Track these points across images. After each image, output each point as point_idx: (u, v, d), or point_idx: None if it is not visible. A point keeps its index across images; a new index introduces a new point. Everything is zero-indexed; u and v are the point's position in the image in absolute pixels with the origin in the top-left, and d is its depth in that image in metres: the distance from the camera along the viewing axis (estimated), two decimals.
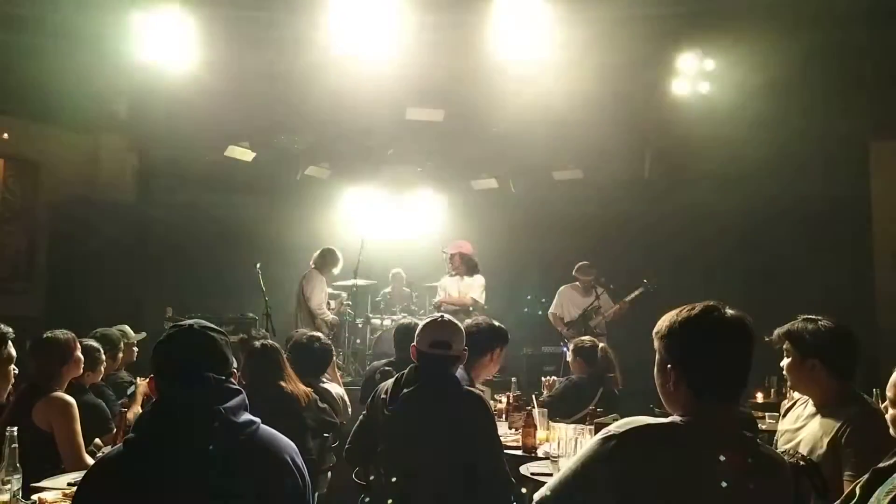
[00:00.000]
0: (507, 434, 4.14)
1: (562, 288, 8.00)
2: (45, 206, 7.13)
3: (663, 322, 1.88)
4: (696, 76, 6.85)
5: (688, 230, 8.56)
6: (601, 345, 5.18)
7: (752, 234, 8.16)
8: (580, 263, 7.89)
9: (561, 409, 4.44)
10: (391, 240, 9.07)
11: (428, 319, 3.27)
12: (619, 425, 1.80)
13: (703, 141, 7.60)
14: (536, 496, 1.84)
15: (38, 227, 6.99)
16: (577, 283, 7.85)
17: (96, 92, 6.76)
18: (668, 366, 1.84)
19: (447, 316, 3.30)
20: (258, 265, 7.27)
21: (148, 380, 2.18)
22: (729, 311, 1.85)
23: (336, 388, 4.47)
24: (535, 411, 4.01)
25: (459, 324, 3.28)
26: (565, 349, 7.88)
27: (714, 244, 8.35)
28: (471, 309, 7.42)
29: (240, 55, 6.58)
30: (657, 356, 1.88)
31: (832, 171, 7.08)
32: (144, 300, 7.36)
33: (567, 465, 1.89)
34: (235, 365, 2.04)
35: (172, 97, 6.94)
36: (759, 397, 4.89)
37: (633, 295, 7.63)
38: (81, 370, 3.66)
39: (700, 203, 8.56)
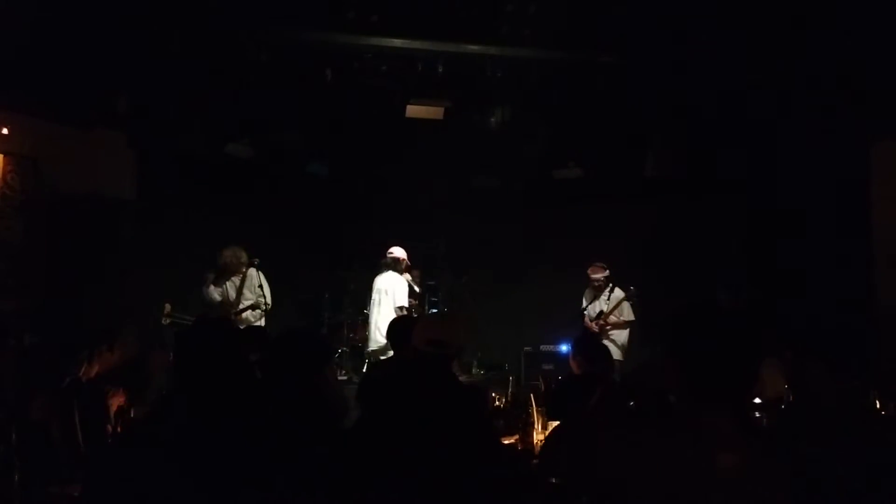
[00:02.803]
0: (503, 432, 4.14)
1: (586, 290, 8.08)
2: (45, 202, 7.11)
3: (664, 321, 1.89)
4: None
5: (687, 230, 8.58)
6: (602, 343, 5.17)
7: (751, 235, 8.17)
8: (594, 263, 7.94)
9: (558, 408, 4.43)
10: None
11: (426, 316, 3.27)
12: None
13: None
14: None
15: (37, 223, 6.97)
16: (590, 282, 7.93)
17: (96, 87, 6.75)
18: (669, 364, 1.84)
19: (447, 312, 3.30)
20: (256, 261, 7.25)
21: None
22: (727, 309, 1.86)
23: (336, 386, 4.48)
24: (534, 410, 4.00)
25: (457, 320, 3.27)
26: (562, 348, 7.98)
27: (714, 245, 8.36)
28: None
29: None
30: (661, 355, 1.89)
31: (832, 171, 7.08)
32: (143, 296, 7.35)
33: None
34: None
35: (172, 93, 6.97)
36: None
37: (615, 305, 7.67)
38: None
39: (699, 203, 8.59)
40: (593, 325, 7.67)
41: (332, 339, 9.10)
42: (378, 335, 7.65)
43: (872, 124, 6.62)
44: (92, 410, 3.65)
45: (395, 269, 7.89)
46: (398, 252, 7.96)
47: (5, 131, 6.62)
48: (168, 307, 7.36)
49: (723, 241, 8.38)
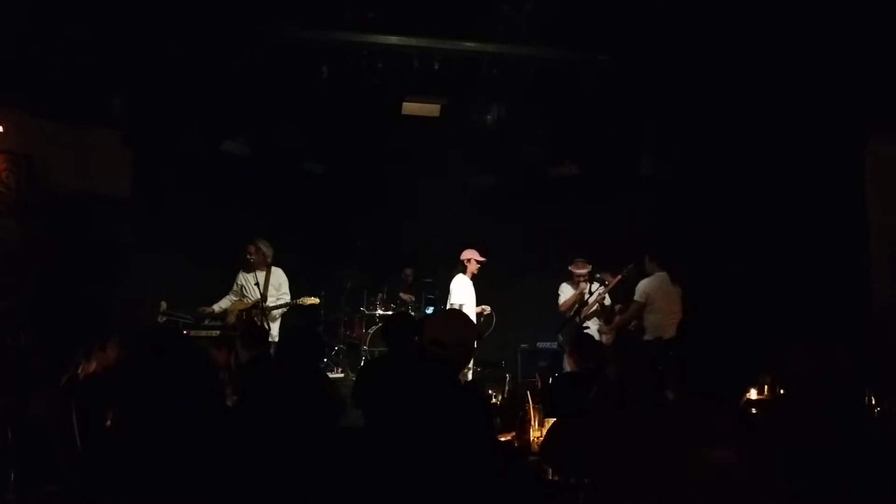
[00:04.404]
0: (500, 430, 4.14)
1: (562, 284, 8.09)
2: (40, 200, 7.10)
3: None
4: None
5: (684, 228, 8.58)
6: (599, 340, 5.20)
7: (748, 233, 8.18)
8: (577, 260, 8.01)
9: (555, 406, 4.44)
10: None
11: (434, 314, 3.27)
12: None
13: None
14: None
15: (33, 221, 6.96)
16: (573, 278, 7.99)
17: (91, 85, 6.74)
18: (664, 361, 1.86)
19: (457, 310, 3.27)
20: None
21: None
22: (718, 309, 1.87)
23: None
24: (531, 407, 4.00)
25: (465, 322, 3.22)
26: (556, 344, 8.04)
27: (710, 242, 8.37)
28: None
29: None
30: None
31: (828, 168, 7.09)
32: (139, 294, 7.35)
33: None
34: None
35: (168, 91, 6.96)
36: (753, 394, 4.90)
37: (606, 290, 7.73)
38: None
39: (696, 201, 8.59)
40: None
41: (328, 337, 9.12)
42: None
43: (868, 121, 6.64)
44: (89, 409, 3.65)
45: (462, 271, 7.96)
46: (462, 254, 8.03)
47: (0, 129, 6.60)
48: (164, 305, 7.36)
49: (719, 239, 8.38)
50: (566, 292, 8.08)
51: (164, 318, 7.36)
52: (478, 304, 7.94)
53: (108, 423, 3.68)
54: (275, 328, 7.36)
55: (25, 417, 3.19)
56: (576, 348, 5.05)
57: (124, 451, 1.90)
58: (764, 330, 1.89)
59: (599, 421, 2.75)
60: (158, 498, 1.85)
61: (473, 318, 7.42)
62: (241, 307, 7.45)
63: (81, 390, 3.70)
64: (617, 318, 7.71)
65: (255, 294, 7.40)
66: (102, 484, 1.88)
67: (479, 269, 7.99)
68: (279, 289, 7.52)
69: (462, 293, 7.80)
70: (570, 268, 8.04)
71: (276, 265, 7.72)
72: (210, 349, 5.20)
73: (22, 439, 2.64)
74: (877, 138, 6.77)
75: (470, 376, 7.39)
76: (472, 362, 7.54)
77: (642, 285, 7.31)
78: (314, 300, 7.70)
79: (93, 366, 4.06)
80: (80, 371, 3.76)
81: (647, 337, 7.17)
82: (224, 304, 7.56)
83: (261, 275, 7.46)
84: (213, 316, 7.52)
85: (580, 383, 4.76)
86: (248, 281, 7.51)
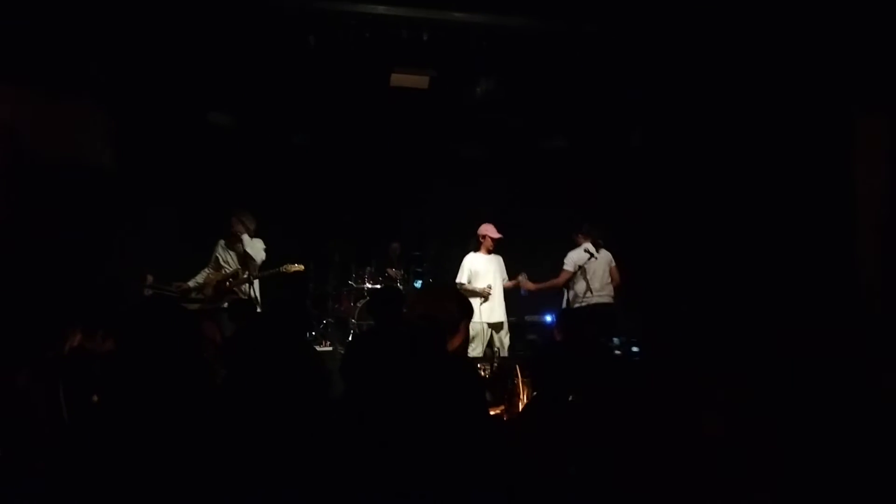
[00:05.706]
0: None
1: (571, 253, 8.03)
2: (23, 171, 7.01)
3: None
4: None
5: (668, 204, 8.58)
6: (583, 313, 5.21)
7: (735, 213, 8.19)
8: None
9: (537, 377, 4.44)
10: None
11: (420, 289, 3.25)
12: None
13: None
14: None
15: (13, 192, 6.88)
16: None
17: (74, 54, 6.63)
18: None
19: (445, 286, 3.25)
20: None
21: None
22: (703, 287, 1.87)
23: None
24: (520, 380, 4.02)
25: (450, 297, 3.20)
26: (546, 318, 8.02)
27: (698, 220, 8.37)
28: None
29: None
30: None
31: (815, 147, 7.09)
32: (123, 266, 7.29)
33: None
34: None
35: (153, 62, 6.86)
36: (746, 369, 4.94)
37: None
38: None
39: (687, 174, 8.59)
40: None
41: (317, 310, 9.10)
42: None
43: (856, 100, 6.63)
44: (75, 386, 3.62)
45: (475, 248, 7.70)
46: (479, 230, 7.73)
47: None
48: (150, 278, 7.31)
49: (709, 214, 8.39)
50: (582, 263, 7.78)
51: (149, 291, 7.32)
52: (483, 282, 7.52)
53: (95, 399, 3.67)
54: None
55: (11, 392, 3.16)
56: (558, 321, 5.05)
57: (111, 428, 1.88)
58: (753, 309, 1.88)
59: (583, 397, 2.76)
60: (146, 475, 1.83)
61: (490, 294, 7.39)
62: (218, 278, 7.41)
63: (67, 367, 3.66)
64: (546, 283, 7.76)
65: (233, 265, 7.38)
66: (89, 461, 1.86)
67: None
68: (257, 256, 7.49)
69: (465, 273, 7.53)
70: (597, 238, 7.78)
71: (263, 237, 7.67)
72: (201, 322, 5.16)
73: (6, 415, 2.61)
74: (865, 118, 6.76)
75: (506, 339, 7.35)
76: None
77: (571, 255, 7.50)
78: (299, 267, 7.60)
79: (77, 339, 4.02)
80: (66, 347, 3.73)
81: (576, 304, 7.36)
82: (200, 278, 7.50)
83: (240, 246, 7.40)
84: (193, 290, 7.48)
85: (553, 356, 4.72)
86: (228, 253, 7.46)
